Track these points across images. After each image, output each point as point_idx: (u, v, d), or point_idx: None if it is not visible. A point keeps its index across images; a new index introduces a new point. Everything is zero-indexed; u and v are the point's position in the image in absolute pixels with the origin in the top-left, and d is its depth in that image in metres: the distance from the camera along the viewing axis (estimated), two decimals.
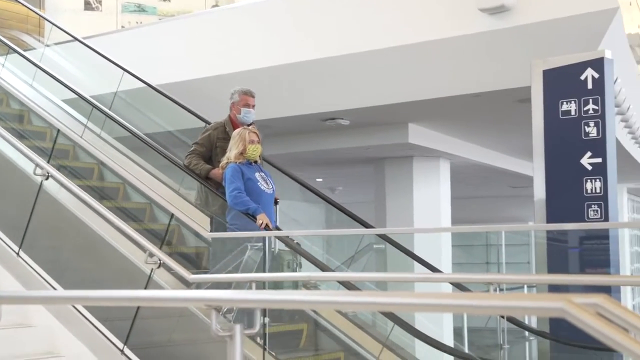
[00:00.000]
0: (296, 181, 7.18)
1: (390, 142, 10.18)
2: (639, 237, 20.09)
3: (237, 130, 6.12)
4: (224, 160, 6.02)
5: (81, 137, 7.52)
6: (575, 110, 6.35)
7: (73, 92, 7.74)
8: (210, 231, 6.14)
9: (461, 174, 13.00)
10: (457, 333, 10.38)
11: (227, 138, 6.27)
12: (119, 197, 7.30)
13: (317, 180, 14.36)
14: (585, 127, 6.30)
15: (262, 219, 5.64)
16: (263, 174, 6.13)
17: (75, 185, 5.80)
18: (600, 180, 6.24)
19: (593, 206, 6.23)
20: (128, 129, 7.14)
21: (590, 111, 6.30)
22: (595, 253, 6.55)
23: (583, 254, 6.59)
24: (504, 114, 9.16)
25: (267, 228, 5.56)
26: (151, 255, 4.79)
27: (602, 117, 6.29)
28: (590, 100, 6.29)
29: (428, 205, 11.14)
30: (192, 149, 6.44)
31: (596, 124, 6.30)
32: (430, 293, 1.79)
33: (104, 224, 5.74)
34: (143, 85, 8.19)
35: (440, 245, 10.93)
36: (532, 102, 6.64)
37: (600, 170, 6.25)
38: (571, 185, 6.33)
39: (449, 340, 10.25)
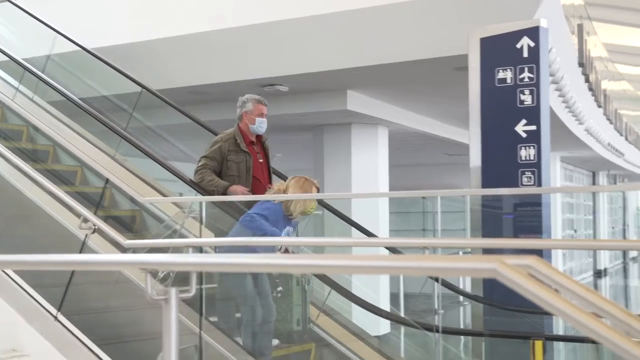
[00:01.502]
0: None
1: (329, 109, 10.19)
2: (571, 205, 20.60)
3: (298, 179, 5.47)
4: (275, 194, 5.44)
5: (12, 100, 7.31)
6: (511, 78, 6.43)
7: (3, 53, 7.51)
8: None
9: (399, 142, 13.10)
10: (394, 298, 10.54)
11: (238, 150, 5.87)
12: (49, 160, 7.11)
13: None
14: (521, 95, 6.39)
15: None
16: (291, 228, 5.51)
17: (4, 148, 5.65)
18: (534, 148, 6.35)
19: (527, 173, 6.34)
20: (62, 92, 6.95)
21: (526, 79, 6.39)
22: (528, 219, 6.68)
23: (516, 220, 6.72)
24: (442, 82, 9.24)
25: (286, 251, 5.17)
26: (85, 220, 4.70)
27: (537, 85, 6.38)
28: (526, 69, 6.38)
29: (366, 173, 11.20)
30: (201, 163, 5.87)
31: (531, 92, 6.39)
32: (363, 255, 1.79)
33: (35, 189, 5.61)
34: (78, 48, 7.99)
35: (377, 212, 11.03)
36: (469, 70, 6.69)
37: (534, 138, 6.36)
38: (506, 153, 6.42)
39: (385, 305, 10.40)
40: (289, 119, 10.92)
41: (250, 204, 5.47)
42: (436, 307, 6.43)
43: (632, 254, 28.62)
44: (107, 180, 6.01)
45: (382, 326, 8.44)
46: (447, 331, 5.00)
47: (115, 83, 8.03)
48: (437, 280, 5.13)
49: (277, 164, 14.68)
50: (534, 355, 4.10)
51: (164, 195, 6.60)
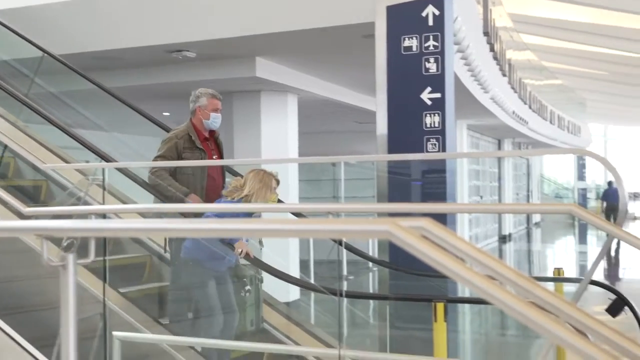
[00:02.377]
0: (141, 114, 7.02)
1: (237, 76, 10.11)
2: (477, 171, 21.11)
3: (256, 173, 5.36)
4: (232, 190, 5.27)
5: None
6: (417, 46, 6.53)
7: None
8: (166, 251, 5.63)
9: (309, 109, 13.13)
10: (304, 265, 10.63)
11: (192, 147, 5.66)
12: None
13: (164, 114, 14.08)
14: (426, 63, 6.49)
15: (241, 246, 5.10)
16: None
17: None
18: (439, 115, 6.47)
19: (432, 140, 6.47)
20: None
21: (431, 48, 6.49)
22: (434, 186, 6.82)
23: (423, 187, 6.85)
24: (351, 50, 9.28)
25: (247, 257, 5.19)
26: None
27: (442, 53, 6.50)
28: (431, 37, 6.48)
29: (275, 140, 11.20)
30: (156, 162, 5.58)
31: (436, 60, 6.50)
32: (260, 220, 1.81)
33: None
34: None
35: (287, 180, 11.05)
36: (375, 37, 6.75)
37: (439, 105, 6.48)
38: (412, 120, 6.53)
39: (295, 272, 10.49)
40: (197, 85, 10.72)
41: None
42: (346, 273, 6.53)
43: (536, 219, 29.60)
44: (6, 147, 5.83)
45: (292, 293, 8.53)
46: (351, 295, 5.08)
47: (16, 47, 7.77)
48: (340, 243, 5.19)
49: None
50: (436, 317, 4.21)
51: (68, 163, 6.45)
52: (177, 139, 5.66)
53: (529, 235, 27.28)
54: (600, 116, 53.28)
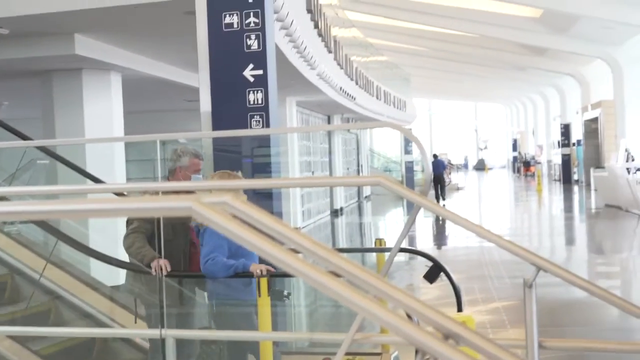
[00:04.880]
0: None
1: (56, 53, 9.69)
2: (308, 147, 21.43)
3: (220, 176, 5.05)
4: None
5: None
6: (238, 23, 6.50)
7: None
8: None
9: (134, 88, 12.82)
10: None
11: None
12: None
13: (4, 103, 13.32)
14: (247, 39, 6.48)
15: (256, 268, 4.68)
16: None
17: None
18: (261, 92, 6.50)
19: (255, 116, 6.49)
20: None
21: (252, 24, 6.49)
22: (264, 163, 6.84)
23: (254, 164, 6.85)
24: (173, 27, 9.12)
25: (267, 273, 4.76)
26: None
27: (263, 30, 6.51)
28: (252, 14, 6.47)
29: (100, 120, 10.86)
30: (133, 225, 5.19)
31: (257, 37, 6.50)
32: (60, 200, 1.74)
33: None
34: None
35: (113, 161, 10.77)
36: (196, 14, 6.67)
37: (261, 82, 6.50)
38: (235, 97, 6.52)
39: (125, 257, 10.25)
40: (12, 63, 10.26)
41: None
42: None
43: (366, 192, 30.48)
44: None
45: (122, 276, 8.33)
46: (173, 275, 5.04)
47: None
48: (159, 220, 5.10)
49: (5, 113, 13.78)
50: (260, 292, 4.26)
51: None
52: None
53: (360, 208, 28.05)
54: (424, 91, 55.52)
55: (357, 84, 21.11)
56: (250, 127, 6.52)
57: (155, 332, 4.21)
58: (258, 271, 4.63)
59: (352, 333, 2.77)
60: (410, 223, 2.79)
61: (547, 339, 2.62)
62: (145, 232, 5.13)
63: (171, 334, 3.57)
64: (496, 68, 43.28)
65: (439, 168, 28.04)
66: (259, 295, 4.26)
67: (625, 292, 10.53)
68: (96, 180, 6.46)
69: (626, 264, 13.00)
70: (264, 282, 4.26)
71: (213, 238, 4.76)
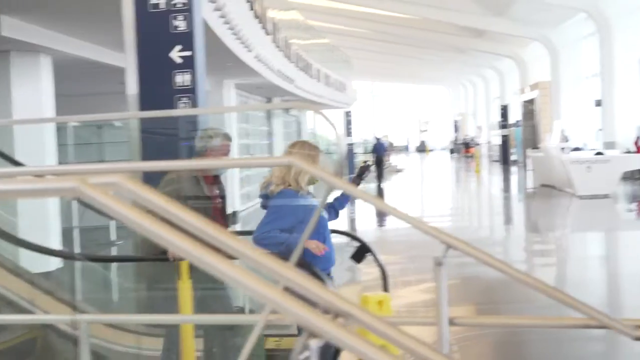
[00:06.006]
0: None
1: None
2: (247, 130, 21.32)
3: (302, 145, 4.80)
4: (276, 186, 4.69)
5: None
6: (164, 3, 6.39)
7: None
8: None
9: (67, 71, 12.55)
10: (67, 234, 10.25)
11: (197, 194, 4.94)
12: None
13: None
14: (174, 20, 6.38)
15: (311, 244, 4.51)
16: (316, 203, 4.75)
17: None
18: (189, 74, 6.40)
19: (183, 99, 6.40)
20: None
21: (179, 4, 6.38)
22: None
23: (180, 147, 6.75)
24: (101, 7, 8.92)
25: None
26: None
27: (191, 10, 6.41)
28: None
29: (29, 104, 10.59)
30: None
31: (185, 18, 6.40)
32: None
33: None
34: None
35: (43, 145, 10.55)
36: None
37: (189, 64, 6.41)
38: (162, 79, 6.41)
39: (56, 241, 10.09)
40: None
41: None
42: (113, 239, 6.34)
43: None
44: None
45: (53, 263, 8.19)
46: (94, 259, 4.96)
47: None
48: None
49: None
50: (180, 275, 4.22)
51: None
52: (177, 184, 4.91)
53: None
54: (366, 74, 55.70)
55: (296, 66, 21.06)
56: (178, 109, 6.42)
57: (67, 318, 4.14)
58: (313, 246, 4.51)
59: (265, 314, 2.75)
60: (322, 205, 2.78)
61: (458, 316, 2.65)
62: None
63: (86, 318, 3.51)
64: (437, 50, 43.65)
65: (380, 150, 28.37)
66: (179, 278, 4.22)
67: (560, 269, 10.76)
68: (17, 163, 6.31)
69: (560, 242, 13.28)
70: (184, 265, 4.21)
71: (276, 208, 4.58)
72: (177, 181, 4.91)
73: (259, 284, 1.64)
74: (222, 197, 5.29)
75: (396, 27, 36.63)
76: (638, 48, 22.06)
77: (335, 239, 6.67)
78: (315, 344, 1.68)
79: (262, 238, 4.53)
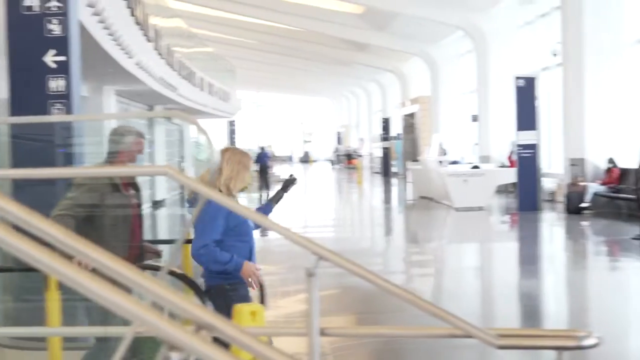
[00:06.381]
0: None
1: None
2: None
3: (233, 152, 4.64)
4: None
5: None
6: (38, 6, 6.19)
7: None
8: None
9: None
10: None
11: (114, 195, 4.65)
12: None
13: None
14: (48, 24, 6.19)
15: (248, 272, 4.43)
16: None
17: None
18: (64, 79, 6.22)
19: (57, 105, 6.21)
20: None
21: (53, 8, 6.20)
22: (79, 153, 6.55)
23: (68, 155, 6.51)
24: None
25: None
26: None
27: (66, 14, 6.24)
28: None
29: None
30: (61, 211, 4.42)
31: (60, 22, 6.22)
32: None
33: None
34: None
35: None
36: None
37: (64, 69, 6.23)
38: (35, 84, 6.20)
39: None
40: None
41: None
42: None
43: None
44: None
45: None
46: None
47: None
48: None
49: None
50: (48, 286, 4.09)
51: None
52: (92, 191, 4.63)
53: (182, 200, 27.72)
54: (250, 84, 55.69)
55: (179, 74, 20.83)
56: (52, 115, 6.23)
57: None
58: (249, 279, 4.47)
59: (134, 327, 2.69)
60: (195, 215, 2.75)
61: (328, 327, 2.67)
62: (75, 215, 4.48)
63: None
64: (321, 62, 44.14)
65: (264, 160, 28.57)
66: (47, 289, 4.08)
67: (437, 279, 11.03)
68: None
69: (437, 253, 13.63)
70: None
71: (209, 214, 4.40)
72: (94, 187, 4.67)
73: (119, 297, 1.61)
74: (139, 203, 5.06)
75: (281, 38, 36.84)
76: (513, 66, 22.98)
77: None
78: (175, 356, 1.66)
79: (199, 255, 4.46)
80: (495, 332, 2.41)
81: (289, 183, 5.43)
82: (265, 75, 54.03)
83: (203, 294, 4.54)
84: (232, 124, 33.29)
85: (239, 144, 32.93)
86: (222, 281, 4.47)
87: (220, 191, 4.49)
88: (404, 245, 15.13)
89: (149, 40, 15.61)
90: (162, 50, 17.66)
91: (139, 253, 4.89)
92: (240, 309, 3.30)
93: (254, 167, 30.42)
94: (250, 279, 4.46)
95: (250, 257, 4.58)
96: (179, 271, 4.88)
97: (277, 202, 5.26)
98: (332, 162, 57.28)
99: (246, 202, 25.27)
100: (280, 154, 56.62)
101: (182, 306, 1.77)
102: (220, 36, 37.02)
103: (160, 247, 5.36)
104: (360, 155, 48.55)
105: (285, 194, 5.38)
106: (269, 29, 34.40)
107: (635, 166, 13.57)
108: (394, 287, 2.56)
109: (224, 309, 4.21)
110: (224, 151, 4.67)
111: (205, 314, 1.77)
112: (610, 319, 7.91)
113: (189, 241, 4.85)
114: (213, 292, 4.55)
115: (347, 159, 51.31)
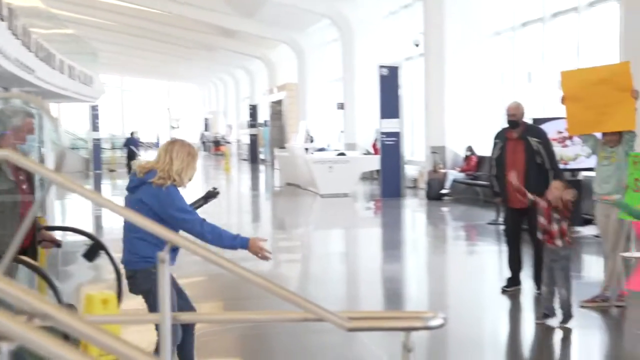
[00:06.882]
0: None
1: None
2: None
3: (181, 145, 4.73)
4: (162, 179, 4.52)
5: None
6: None
7: None
8: None
9: None
10: None
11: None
12: None
13: None
14: None
15: (254, 247, 4.70)
16: None
17: None
18: None
19: None
20: None
21: None
22: None
23: None
24: None
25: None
26: None
27: None
28: None
29: None
30: None
31: None
32: None
33: None
34: None
35: None
36: None
37: None
38: None
39: None
40: None
41: None
42: None
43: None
44: None
45: None
46: None
47: None
48: None
49: None
50: None
51: None
52: None
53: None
54: (115, 68, 54.21)
55: (36, 56, 20.01)
56: None
57: None
58: (258, 255, 4.69)
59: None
60: (40, 201, 2.62)
61: (179, 314, 2.62)
62: None
63: None
64: (188, 48, 43.50)
65: (134, 145, 28.48)
66: None
67: (304, 264, 11.11)
68: None
69: (304, 239, 13.73)
70: None
71: (172, 196, 4.59)
72: None
73: None
74: (30, 180, 4.79)
75: (146, 22, 35.99)
76: (377, 55, 23.40)
77: (73, 237, 6.42)
78: (5, 347, 1.57)
79: (203, 233, 4.71)
80: (347, 315, 2.43)
81: (210, 195, 5.58)
82: (130, 59, 52.71)
83: (54, 284, 4.38)
84: (94, 108, 32.28)
85: (102, 130, 32.07)
86: (147, 264, 4.43)
87: (175, 181, 4.63)
88: (271, 231, 15.15)
89: (2, 20, 14.88)
90: (17, 31, 16.88)
91: (31, 240, 4.70)
92: (92, 296, 3.18)
93: (122, 153, 29.67)
94: (259, 255, 4.68)
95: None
96: (30, 260, 4.67)
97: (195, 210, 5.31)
98: (203, 149, 56.79)
99: (113, 188, 24.64)
100: (146, 140, 55.44)
101: (17, 294, 1.68)
102: (81, 17, 35.75)
103: None
104: (228, 142, 48.28)
105: (204, 204, 5.52)
106: (133, 11, 33.53)
107: None
108: (249, 274, 2.53)
109: (151, 292, 4.27)
110: (172, 143, 4.78)
111: (40, 302, 1.69)
112: (466, 300, 8.23)
113: (48, 228, 4.69)
114: (139, 277, 4.55)
115: (214, 146, 50.93)
